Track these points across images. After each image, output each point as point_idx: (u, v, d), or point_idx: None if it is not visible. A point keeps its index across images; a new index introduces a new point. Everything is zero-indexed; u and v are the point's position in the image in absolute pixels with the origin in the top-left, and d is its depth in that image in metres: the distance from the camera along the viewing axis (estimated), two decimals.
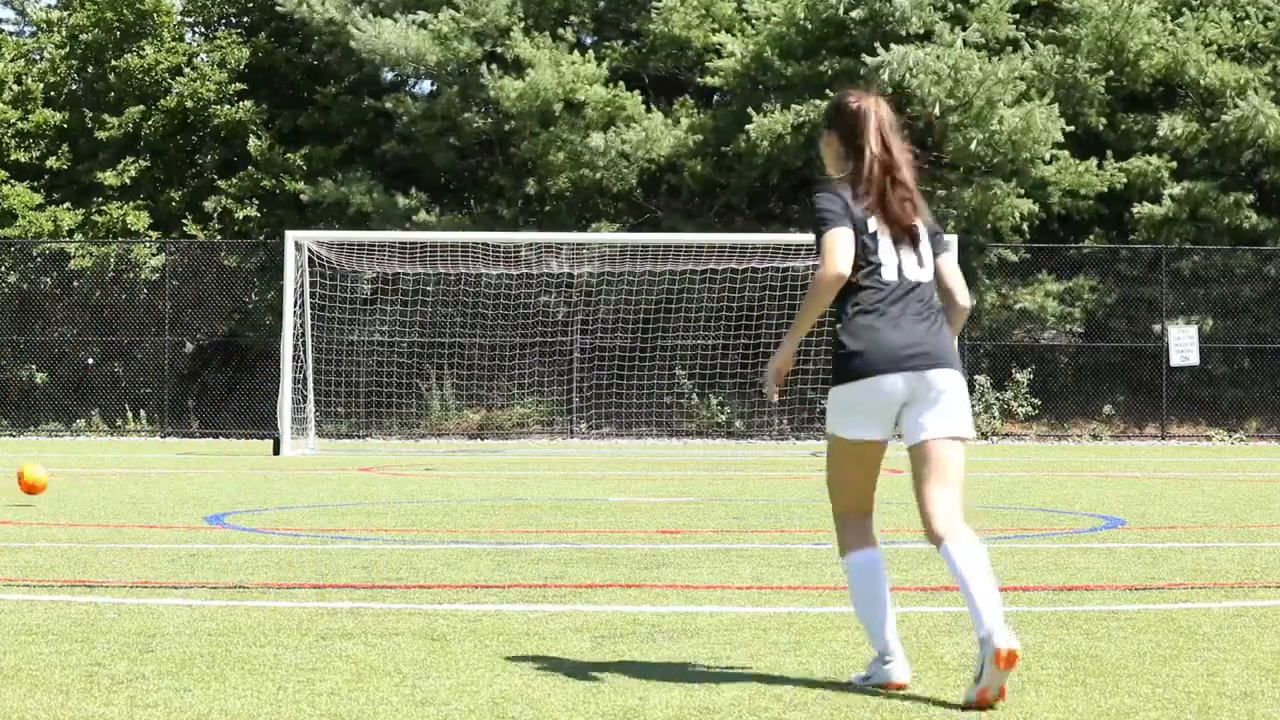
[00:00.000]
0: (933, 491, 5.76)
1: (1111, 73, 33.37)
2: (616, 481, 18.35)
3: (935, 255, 5.97)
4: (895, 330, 5.76)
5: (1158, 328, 32.76)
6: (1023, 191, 32.20)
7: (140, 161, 34.83)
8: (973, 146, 31.33)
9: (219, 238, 34.41)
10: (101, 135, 34.63)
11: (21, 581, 8.73)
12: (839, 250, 5.76)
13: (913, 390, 5.75)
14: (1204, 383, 33.05)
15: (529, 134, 33.31)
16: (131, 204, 34.37)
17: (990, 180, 31.89)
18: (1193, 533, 11.89)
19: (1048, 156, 32.24)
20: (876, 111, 5.94)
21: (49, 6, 37.07)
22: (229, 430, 32.53)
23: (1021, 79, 31.91)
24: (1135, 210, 33.11)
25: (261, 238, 34.15)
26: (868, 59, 31.08)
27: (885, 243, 5.86)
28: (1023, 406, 32.52)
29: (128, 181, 34.51)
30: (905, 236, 5.89)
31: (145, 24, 35.34)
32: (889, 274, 5.84)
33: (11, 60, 35.63)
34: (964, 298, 6.02)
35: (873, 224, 5.84)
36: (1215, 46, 34.19)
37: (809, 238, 29.97)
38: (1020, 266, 33.20)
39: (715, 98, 35.47)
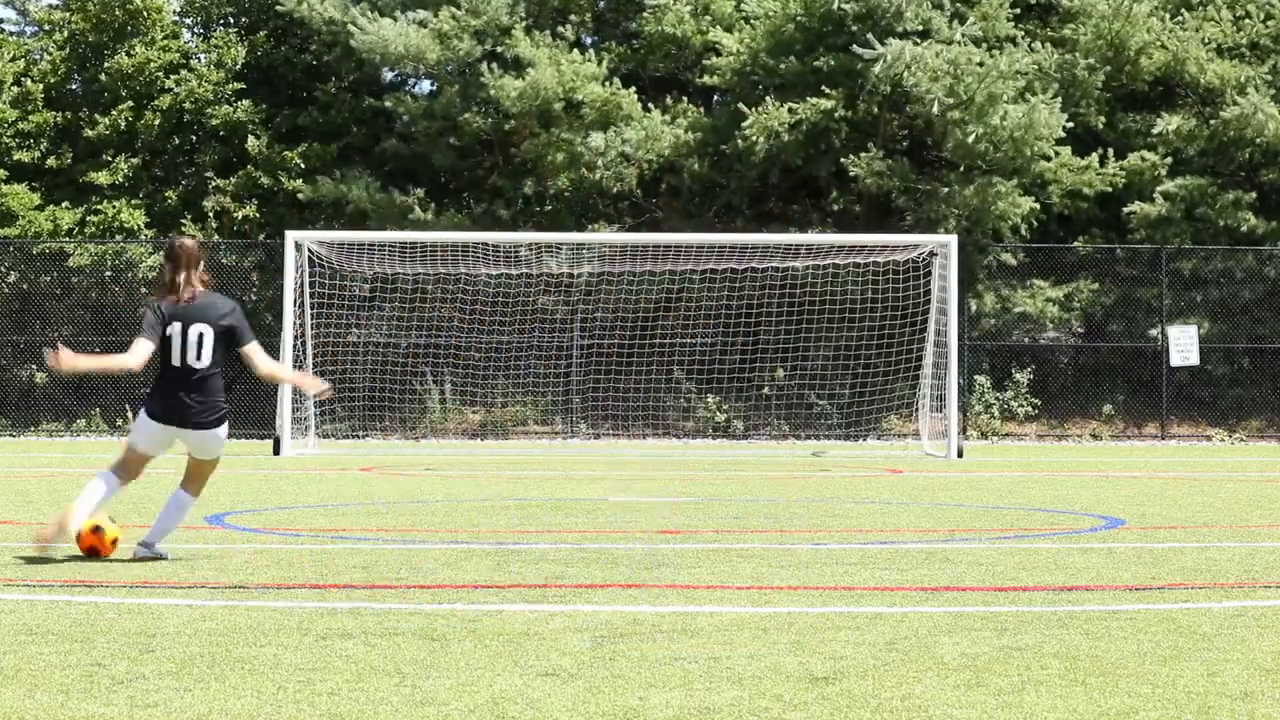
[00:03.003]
0: (191, 482, 9.94)
1: (1111, 70, 33.33)
2: (616, 481, 18.35)
3: (240, 345, 9.91)
4: (173, 397, 9.64)
5: (1156, 331, 32.72)
6: (1023, 190, 32.16)
7: (135, 160, 34.77)
8: (970, 141, 31.24)
9: (217, 237, 34.37)
10: (92, 134, 34.58)
11: (21, 581, 8.73)
12: (143, 352, 9.55)
13: (177, 435, 9.73)
14: (1204, 383, 33.01)
15: (529, 134, 33.29)
16: (129, 202, 34.32)
17: (992, 179, 31.82)
18: (1193, 533, 11.89)
19: (1050, 153, 32.19)
20: (188, 249, 9.83)
21: (50, 6, 37.02)
22: (229, 430, 32.46)
23: (1022, 74, 31.87)
24: (1129, 209, 33.01)
25: (261, 237, 34.12)
26: (861, 51, 31.00)
27: (178, 341, 9.64)
28: (1022, 406, 32.50)
29: (125, 181, 34.48)
30: (194, 337, 9.64)
31: (137, 23, 35.28)
32: (175, 360, 9.61)
33: (11, 60, 35.58)
34: (264, 368, 10.31)
35: (174, 326, 9.62)
36: (1215, 45, 34.16)
37: (808, 238, 30.15)
38: (1019, 268, 33.15)
39: (715, 98, 35.43)
